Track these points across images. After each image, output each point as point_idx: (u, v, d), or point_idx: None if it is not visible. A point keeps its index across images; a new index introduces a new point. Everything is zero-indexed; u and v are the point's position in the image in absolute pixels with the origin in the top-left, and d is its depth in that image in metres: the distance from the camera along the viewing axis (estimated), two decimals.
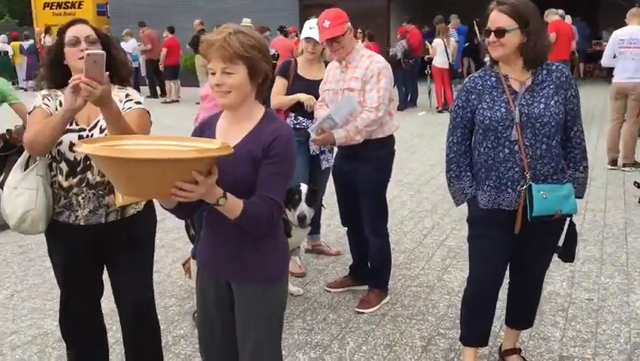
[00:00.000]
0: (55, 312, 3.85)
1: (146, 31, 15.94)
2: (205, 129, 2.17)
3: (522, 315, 3.11)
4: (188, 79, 15.90)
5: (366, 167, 3.70)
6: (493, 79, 2.74)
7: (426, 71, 12.95)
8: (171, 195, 1.76)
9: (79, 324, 2.75)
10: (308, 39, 4.23)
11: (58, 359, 3.32)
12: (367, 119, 3.55)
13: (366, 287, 4.03)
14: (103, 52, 2.27)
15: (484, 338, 3.00)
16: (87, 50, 2.37)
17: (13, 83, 15.69)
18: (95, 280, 2.73)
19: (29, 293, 4.20)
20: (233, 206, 1.92)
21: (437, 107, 12.79)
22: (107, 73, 2.26)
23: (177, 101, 15.30)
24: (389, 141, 3.79)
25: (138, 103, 2.58)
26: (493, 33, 2.62)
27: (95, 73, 2.21)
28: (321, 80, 4.00)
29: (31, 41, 19.33)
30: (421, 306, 3.89)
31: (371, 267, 3.96)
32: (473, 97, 2.74)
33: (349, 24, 3.65)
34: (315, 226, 4.58)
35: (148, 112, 2.62)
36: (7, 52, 18.83)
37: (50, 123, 2.36)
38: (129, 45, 15.65)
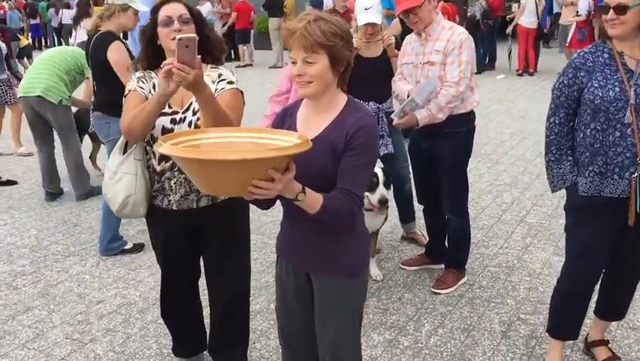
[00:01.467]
0: (138, 282, 4.02)
1: None
2: (286, 118, 2.13)
3: (615, 306, 2.94)
4: (262, 42, 15.91)
5: (447, 144, 3.57)
6: (606, 55, 2.52)
7: (507, 31, 12.39)
8: (248, 192, 1.73)
9: (177, 303, 2.85)
10: (367, 25, 3.87)
11: (142, 329, 3.45)
12: (448, 95, 3.41)
13: (442, 266, 3.96)
14: (195, 35, 2.22)
15: (575, 332, 2.87)
16: (180, 30, 2.35)
17: None
18: (192, 263, 2.80)
19: (113, 262, 4.37)
20: (312, 201, 1.87)
21: (517, 70, 12.27)
22: (199, 56, 2.21)
23: (251, 65, 15.38)
24: (470, 116, 3.64)
25: (231, 83, 2.55)
26: (612, 10, 2.40)
27: (187, 57, 2.16)
28: (380, 55, 3.93)
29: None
30: (500, 288, 3.78)
31: (449, 246, 3.87)
32: (582, 74, 2.53)
33: None
34: (409, 215, 4.49)
35: (241, 92, 2.59)
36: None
37: (145, 110, 2.35)
38: (204, 9, 15.76)
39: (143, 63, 2.58)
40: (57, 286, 4.02)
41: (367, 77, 3.71)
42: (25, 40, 14.45)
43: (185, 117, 2.50)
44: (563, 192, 2.73)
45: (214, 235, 2.66)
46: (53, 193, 5.85)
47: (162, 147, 1.72)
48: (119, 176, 2.55)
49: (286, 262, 2.17)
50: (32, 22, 20.70)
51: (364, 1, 3.85)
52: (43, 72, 5.50)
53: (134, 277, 4.11)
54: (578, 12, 10.94)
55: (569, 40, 11.11)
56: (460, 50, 3.42)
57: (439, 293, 3.72)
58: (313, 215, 1.90)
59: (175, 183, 2.54)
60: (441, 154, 3.61)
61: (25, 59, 13.70)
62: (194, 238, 2.68)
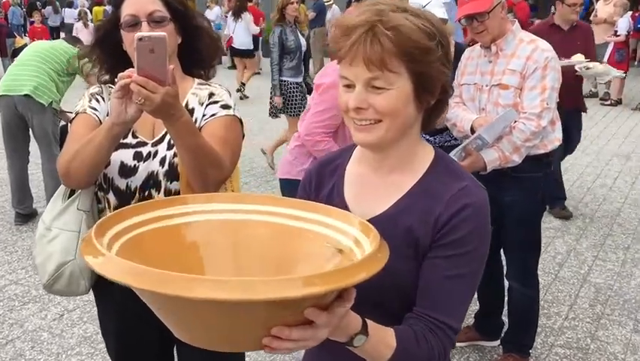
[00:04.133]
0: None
1: None
2: (325, 178, 1.28)
3: None
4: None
5: (518, 192, 2.71)
6: None
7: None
8: (263, 347, 0.89)
9: None
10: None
11: None
12: (527, 131, 2.55)
13: (495, 343, 3.10)
14: (163, 35, 1.40)
15: None
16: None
17: None
18: None
19: (81, 315, 3.51)
20: (376, 346, 1.03)
21: (608, 100, 10.17)
22: (172, 66, 1.42)
23: (258, 73, 14.57)
24: (549, 158, 2.78)
25: (226, 108, 1.73)
26: None
27: (152, 68, 1.38)
28: None
29: None
30: None
31: (511, 323, 2.99)
32: None
33: None
34: None
35: (240, 120, 1.77)
36: None
37: (90, 145, 1.56)
38: (213, 13, 14.97)
39: (101, 73, 1.74)
40: (5, 348, 3.16)
41: None
42: (22, 40, 13.64)
43: (156, 152, 1.68)
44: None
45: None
46: (24, 215, 4.99)
47: (93, 262, 0.90)
48: (55, 233, 1.73)
49: None
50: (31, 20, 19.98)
51: None
52: (31, 68, 4.67)
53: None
54: (616, 32, 10.11)
55: (605, 60, 10.24)
56: (543, 71, 2.55)
57: None
58: None
59: None
60: (509, 204, 2.74)
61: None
62: (165, 337, 1.82)
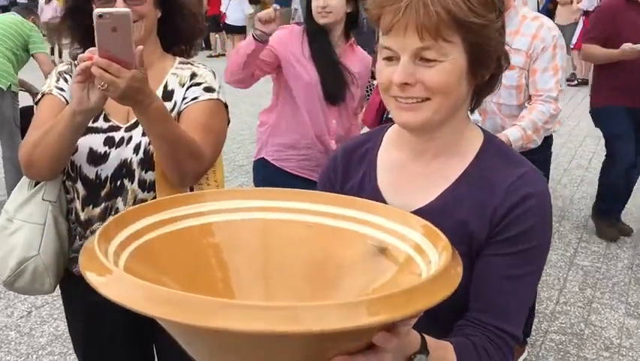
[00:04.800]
0: None
1: None
2: (352, 166, 1.11)
3: None
4: None
5: None
6: None
7: None
8: None
9: None
10: None
11: None
12: (547, 113, 2.43)
13: None
14: (127, 11, 1.24)
15: None
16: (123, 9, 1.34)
17: None
18: None
19: (51, 310, 3.28)
20: None
21: (574, 80, 10.11)
22: (141, 47, 1.27)
23: (223, 55, 14.22)
24: (549, 140, 2.69)
25: (209, 91, 1.55)
26: None
27: (115, 49, 1.22)
28: None
29: None
30: None
31: None
32: None
33: None
34: None
35: (225, 105, 1.60)
36: None
37: (52, 133, 1.39)
38: None
39: (73, 47, 1.58)
40: None
41: None
42: None
43: (130, 138, 1.51)
44: None
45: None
46: None
47: (99, 279, 0.73)
48: (17, 225, 1.54)
49: None
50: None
51: None
52: None
53: None
54: (585, 11, 10.11)
55: (574, 41, 10.23)
56: (554, 50, 2.44)
57: None
58: None
59: None
60: None
61: None
62: (138, 329, 1.65)
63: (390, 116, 3.10)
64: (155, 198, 1.51)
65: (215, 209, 0.95)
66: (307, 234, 0.95)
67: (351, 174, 1.11)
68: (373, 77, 2.76)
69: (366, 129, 3.03)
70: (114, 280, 0.70)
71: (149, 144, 1.49)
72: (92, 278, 0.71)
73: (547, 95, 2.43)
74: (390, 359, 0.77)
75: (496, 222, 0.97)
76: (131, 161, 1.50)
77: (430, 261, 0.83)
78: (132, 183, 1.51)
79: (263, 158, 2.70)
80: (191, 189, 1.57)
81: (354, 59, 2.65)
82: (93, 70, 1.23)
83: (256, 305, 0.64)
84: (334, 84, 2.54)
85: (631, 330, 3.14)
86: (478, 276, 0.98)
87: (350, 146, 1.15)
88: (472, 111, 1.06)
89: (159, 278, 0.84)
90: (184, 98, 1.53)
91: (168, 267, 0.87)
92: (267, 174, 2.70)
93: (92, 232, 1.53)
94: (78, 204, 1.54)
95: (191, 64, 1.61)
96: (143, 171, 1.51)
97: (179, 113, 1.52)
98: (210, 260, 0.92)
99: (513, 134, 2.41)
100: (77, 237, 1.57)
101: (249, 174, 5.42)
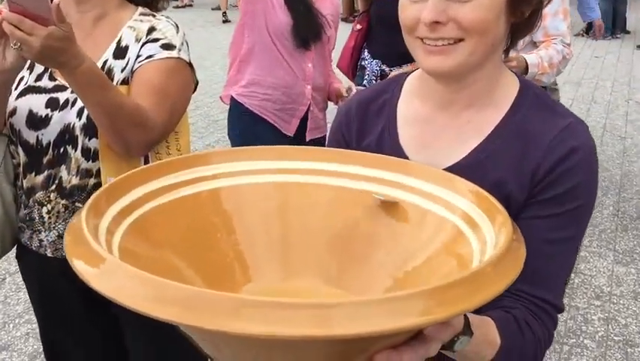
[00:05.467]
0: None
1: None
2: (368, 122, 0.99)
3: None
4: None
5: None
6: None
7: None
8: None
9: None
10: None
11: None
12: (561, 54, 2.38)
13: None
14: None
15: None
16: None
17: None
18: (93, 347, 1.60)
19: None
20: (478, 347, 0.77)
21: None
22: (57, 1, 1.09)
23: (191, 5, 13.73)
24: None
25: (168, 48, 1.35)
26: None
27: (28, 2, 1.07)
28: None
29: None
30: (568, 321, 2.81)
31: None
32: None
33: None
34: None
35: (189, 64, 1.40)
36: None
37: None
38: None
39: None
40: None
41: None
42: None
43: (75, 100, 1.33)
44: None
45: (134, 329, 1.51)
46: None
47: (91, 270, 0.60)
48: None
49: None
50: None
51: None
52: None
53: None
54: None
55: None
56: None
57: None
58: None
59: (49, 212, 1.38)
60: None
61: None
62: (95, 304, 1.49)
63: (363, 63, 2.94)
64: (100, 169, 1.34)
65: (223, 172, 0.82)
66: (331, 199, 0.83)
67: (367, 129, 0.98)
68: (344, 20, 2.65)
69: (342, 76, 2.93)
70: (108, 271, 0.58)
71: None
72: (81, 268, 0.58)
73: (560, 40, 2.36)
74: (438, 347, 0.66)
75: (538, 180, 0.86)
76: (73, 126, 1.33)
77: (484, 237, 0.71)
78: (75, 150, 1.35)
79: (232, 96, 2.61)
80: (146, 160, 1.40)
81: (324, 1, 2.53)
82: (4, 26, 1.07)
83: (281, 303, 0.52)
84: (309, 29, 2.43)
85: (620, 277, 3.14)
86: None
87: (365, 97, 1.02)
88: (506, 54, 0.93)
89: (163, 256, 0.72)
90: (138, 56, 1.34)
91: (172, 242, 0.75)
92: (234, 116, 2.63)
93: (35, 202, 1.39)
94: (20, 171, 1.39)
95: (153, 16, 1.41)
96: (87, 138, 1.34)
97: (132, 73, 1.34)
98: (220, 232, 0.80)
99: (531, 58, 2.31)
100: (22, 205, 1.42)
101: (226, 130, 5.27)
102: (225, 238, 0.82)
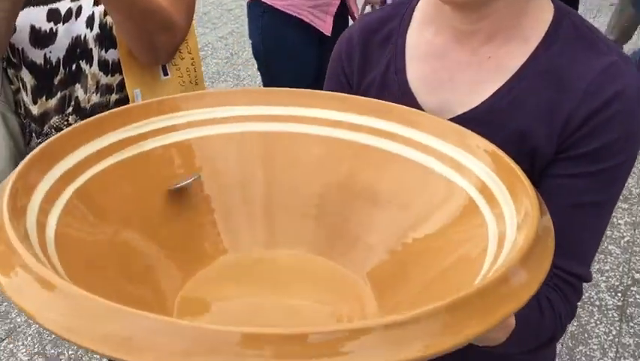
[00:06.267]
0: None
1: None
2: (372, 54, 0.83)
3: None
4: None
5: None
6: None
7: None
8: None
9: None
10: None
11: None
12: None
13: None
14: None
15: None
16: None
17: None
18: None
19: None
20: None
21: None
22: None
23: None
24: None
25: None
26: None
27: None
28: None
29: None
30: None
31: None
32: None
33: None
34: None
35: None
36: None
37: None
38: None
39: None
40: None
41: None
42: None
43: (79, 8, 1.20)
44: None
45: None
46: None
47: (17, 292, 0.44)
48: None
49: None
50: None
51: None
52: None
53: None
54: None
55: None
56: None
57: None
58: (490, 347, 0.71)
59: None
60: None
61: None
62: None
63: None
64: (122, 82, 1.24)
65: (190, 121, 0.69)
66: (321, 153, 0.70)
67: (370, 62, 0.83)
68: None
69: None
70: (49, 298, 0.43)
71: (105, 14, 1.18)
72: (7, 288, 0.45)
73: None
74: None
75: (570, 131, 0.71)
76: (85, 38, 1.21)
77: (501, 212, 0.59)
78: (91, 65, 1.23)
79: None
80: (164, 70, 1.29)
81: None
82: None
83: (268, 335, 0.40)
84: None
85: None
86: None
87: (368, 24, 0.85)
88: None
89: (117, 233, 0.61)
90: None
91: (127, 212, 0.63)
92: (255, 17, 2.21)
93: (52, 128, 1.28)
94: (26, 97, 1.27)
95: None
96: (103, 50, 1.23)
97: None
98: (189, 196, 0.68)
99: None
100: (34, 134, 1.32)
101: (240, 19, 5.01)
102: (196, 203, 0.70)
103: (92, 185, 0.63)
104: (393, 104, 0.73)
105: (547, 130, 0.72)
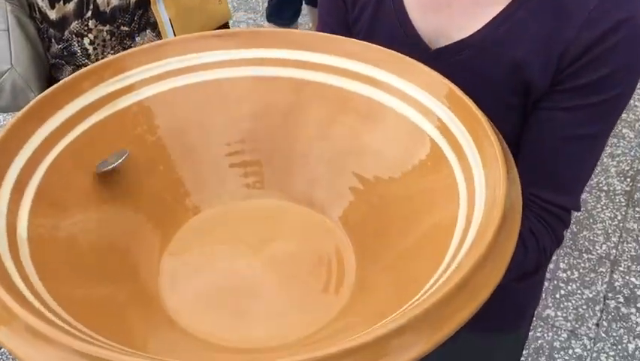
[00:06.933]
0: None
1: None
2: None
3: None
4: None
5: None
6: None
7: None
8: None
9: None
10: None
11: None
12: None
13: None
14: None
15: None
16: None
17: None
18: None
19: None
20: None
21: None
22: None
23: None
24: None
25: None
26: None
27: None
28: None
29: None
30: None
31: None
32: None
33: None
34: None
35: None
36: None
37: None
38: None
39: None
40: None
41: None
42: None
43: None
44: None
45: None
46: None
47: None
48: None
49: None
50: None
51: None
52: None
53: None
54: None
55: None
56: None
57: None
58: None
59: (92, 42, 1.25)
60: None
61: None
62: None
63: None
64: None
65: (143, 79, 0.64)
66: (297, 98, 0.66)
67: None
68: None
69: None
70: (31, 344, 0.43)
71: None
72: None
73: None
74: None
75: (567, 63, 0.67)
76: None
77: (467, 161, 0.56)
78: None
79: None
80: None
81: None
82: None
83: None
84: None
85: None
86: (531, 135, 0.72)
87: None
88: None
89: (88, 220, 0.60)
90: None
91: (86, 200, 0.60)
92: None
93: (72, 34, 1.24)
94: (42, 1, 1.22)
95: None
96: None
97: None
98: (154, 159, 0.66)
99: None
100: (53, 40, 1.28)
101: None
102: (164, 167, 0.67)
103: (49, 179, 0.59)
104: (335, 36, 0.69)
105: (543, 61, 0.68)
